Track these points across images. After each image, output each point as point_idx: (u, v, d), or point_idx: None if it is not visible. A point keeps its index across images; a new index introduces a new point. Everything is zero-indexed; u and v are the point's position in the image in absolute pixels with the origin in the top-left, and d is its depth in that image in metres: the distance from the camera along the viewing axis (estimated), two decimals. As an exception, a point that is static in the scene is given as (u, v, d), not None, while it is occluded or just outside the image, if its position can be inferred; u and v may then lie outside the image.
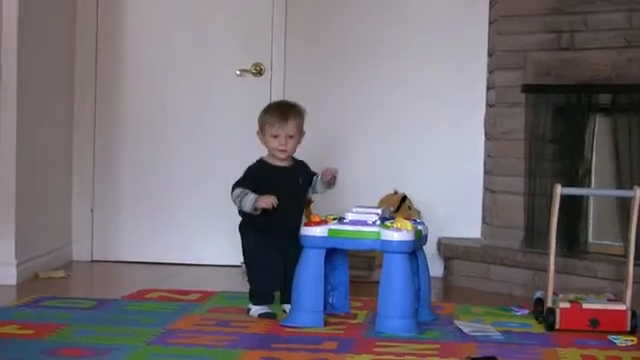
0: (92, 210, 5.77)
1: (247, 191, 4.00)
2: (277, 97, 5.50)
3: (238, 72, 5.67)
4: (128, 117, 5.76)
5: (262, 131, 4.13)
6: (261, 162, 4.16)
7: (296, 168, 4.18)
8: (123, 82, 5.76)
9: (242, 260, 5.04)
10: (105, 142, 5.76)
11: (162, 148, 5.75)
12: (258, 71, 5.67)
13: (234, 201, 4.05)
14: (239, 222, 4.18)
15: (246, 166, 4.15)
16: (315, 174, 4.21)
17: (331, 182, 4.17)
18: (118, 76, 5.76)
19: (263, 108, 4.22)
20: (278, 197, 3.99)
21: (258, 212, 3.99)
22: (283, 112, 4.13)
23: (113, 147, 5.77)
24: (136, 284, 4.89)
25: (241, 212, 4.11)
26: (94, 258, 5.76)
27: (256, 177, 4.06)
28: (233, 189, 4.05)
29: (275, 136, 4.09)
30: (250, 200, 3.97)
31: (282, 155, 4.10)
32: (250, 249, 4.13)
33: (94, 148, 5.75)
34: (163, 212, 5.73)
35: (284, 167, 4.13)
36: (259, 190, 4.00)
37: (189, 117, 5.73)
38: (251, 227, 4.10)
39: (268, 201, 3.96)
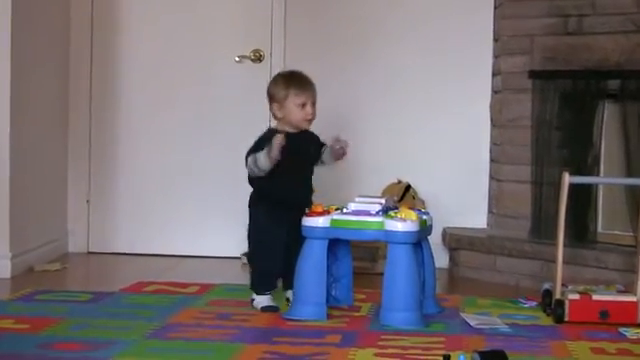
0: (88, 201, 5.76)
1: (257, 153, 3.98)
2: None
3: (237, 59, 5.66)
4: (125, 106, 5.75)
5: (281, 103, 4.09)
6: (272, 130, 4.15)
7: (308, 135, 4.17)
8: (119, 71, 5.75)
9: (242, 252, 5.05)
10: (101, 131, 5.75)
11: (160, 137, 5.74)
12: (257, 57, 5.66)
13: (251, 169, 4.02)
14: (249, 197, 4.15)
15: (243, 150, 4.12)
16: (324, 144, 4.19)
17: (340, 153, 4.14)
18: (114, 65, 5.75)
19: (275, 80, 4.20)
20: (291, 162, 3.98)
21: (276, 161, 3.95)
22: (304, 79, 4.15)
23: (109, 136, 5.76)
24: (134, 276, 4.88)
25: (253, 181, 4.08)
26: (90, 250, 5.76)
27: (265, 142, 4.02)
28: (247, 159, 4.04)
29: (302, 105, 4.08)
30: (263, 154, 3.95)
31: (308, 125, 4.11)
32: (258, 229, 4.11)
33: (90, 137, 5.74)
34: (161, 203, 5.73)
35: (296, 133, 4.11)
36: None
37: (187, 105, 5.72)
38: (262, 198, 4.08)
39: (277, 141, 3.92)
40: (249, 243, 4.22)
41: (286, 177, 4.01)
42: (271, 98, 4.15)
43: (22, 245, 5.03)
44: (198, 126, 5.71)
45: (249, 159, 4.03)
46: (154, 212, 5.73)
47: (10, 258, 4.90)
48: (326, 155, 4.17)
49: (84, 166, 5.75)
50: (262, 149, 4.00)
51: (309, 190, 4.16)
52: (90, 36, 5.73)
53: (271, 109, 4.18)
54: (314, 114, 4.11)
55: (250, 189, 4.18)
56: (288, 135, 4.01)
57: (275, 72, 5.55)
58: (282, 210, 4.05)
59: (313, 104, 4.10)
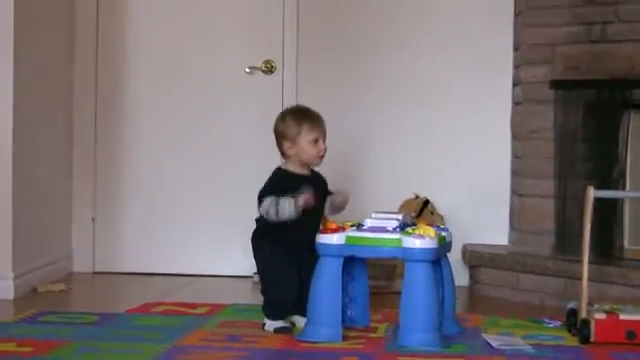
0: (94, 219, 5.76)
1: (279, 198, 3.97)
2: (289, 96, 5.52)
3: (247, 70, 5.65)
4: (131, 120, 5.75)
5: (294, 140, 4.08)
6: (282, 171, 4.15)
7: (317, 179, 4.16)
8: (125, 83, 5.75)
9: (254, 271, 5.03)
10: (107, 146, 5.75)
11: (167, 152, 5.74)
12: (269, 69, 5.65)
13: (266, 211, 3.98)
14: (252, 233, 4.16)
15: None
16: (330, 193, 4.19)
17: (340, 207, 4.16)
18: (120, 77, 5.75)
19: (283, 118, 4.16)
20: (308, 210, 3.99)
21: (299, 214, 3.95)
22: (315, 115, 4.14)
23: (115, 151, 5.76)
24: (141, 297, 4.87)
25: (259, 221, 4.09)
26: (96, 269, 5.75)
27: (282, 186, 4.03)
28: (261, 199, 4.02)
29: (315, 141, 4.07)
30: (289, 204, 3.93)
31: (320, 161, 4.11)
32: (265, 259, 4.11)
33: (95, 152, 5.74)
34: (168, 220, 5.72)
35: (306, 176, 4.11)
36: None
37: (195, 119, 5.72)
38: (266, 239, 4.08)
39: (308, 197, 3.93)
40: (257, 272, 4.26)
41: (297, 222, 3.99)
42: (281, 136, 4.12)
43: (25, 265, 5.01)
44: (208, 140, 5.71)
45: (267, 203, 3.98)
46: (162, 230, 5.72)
47: (13, 278, 4.88)
48: (327, 206, 4.17)
49: (89, 182, 5.74)
50: (280, 193, 3.97)
51: (316, 231, 4.13)
52: (95, 49, 5.73)
53: (281, 147, 4.14)
54: (326, 150, 4.11)
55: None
56: (307, 181, 4.04)
57: (288, 84, 5.60)
58: (290, 250, 4.05)
59: (324, 139, 4.10)
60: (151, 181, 5.74)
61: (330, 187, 4.20)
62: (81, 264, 5.73)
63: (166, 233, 5.72)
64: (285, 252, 4.05)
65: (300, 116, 4.13)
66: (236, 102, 5.70)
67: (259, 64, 5.66)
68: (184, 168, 5.73)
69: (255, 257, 4.16)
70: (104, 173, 5.76)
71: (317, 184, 4.12)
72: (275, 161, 4.34)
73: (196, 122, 5.72)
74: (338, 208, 4.17)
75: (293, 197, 3.94)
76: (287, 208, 3.94)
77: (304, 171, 4.12)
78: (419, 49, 5.60)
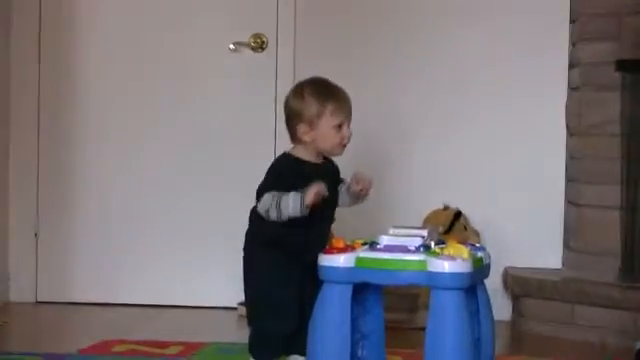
0: (36, 234, 5.81)
1: (281, 193, 3.93)
2: (285, 78, 5.53)
3: (232, 47, 5.70)
4: (85, 109, 5.81)
5: (312, 123, 4.04)
6: (289, 157, 4.11)
7: (329, 166, 4.16)
8: (77, 65, 5.80)
9: (239, 301, 5.06)
10: (52, 145, 5.81)
11: (129, 151, 5.79)
12: (259, 45, 5.70)
13: (266, 210, 3.93)
14: (245, 236, 4.10)
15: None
16: (343, 180, 4.21)
17: (361, 194, 4.14)
18: (71, 57, 5.79)
19: (299, 93, 4.10)
20: (317, 208, 3.95)
21: (307, 212, 3.94)
22: (342, 92, 4.09)
23: (64, 150, 5.82)
24: (97, 333, 4.91)
25: (256, 221, 4.05)
26: (39, 299, 5.80)
27: (288, 177, 4.00)
28: (259, 196, 3.97)
29: (339, 125, 4.07)
30: (294, 200, 3.87)
31: (342, 151, 4.08)
32: (257, 273, 4.06)
33: (38, 150, 5.79)
34: (132, 236, 5.77)
35: (317, 164, 4.10)
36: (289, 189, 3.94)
37: (164, 109, 5.77)
38: (262, 246, 4.04)
39: (319, 191, 3.87)
40: (246, 297, 4.20)
41: (304, 224, 3.99)
42: (296, 117, 4.06)
43: (-50, 293, 5.06)
44: (180, 134, 5.75)
45: (264, 199, 3.95)
46: (123, 248, 5.77)
47: None
48: (343, 194, 4.17)
49: (31, 189, 5.79)
50: (281, 184, 3.96)
51: (329, 233, 4.15)
52: (37, 27, 5.78)
53: (294, 130, 4.07)
54: (351, 136, 4.07)
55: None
56: (320, 170, 4.05)
57: (283, 63, 5.62)
58: (292, 260, 4.03)
59: (349, 124, 4.06)
60: (108, 187, 5.79)
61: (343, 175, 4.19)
62: (20, 292, 5.79)
63: (128, 253, 5.76)
64: (286, 265, 4.02)
65: (323, 94, 4.07)
66: (217, 87, 5.75)
67: (246, 39, 5.71)
68: (151, 169, 5.79)
69: (245, 270, 4.10)
70: (49, 178, 5.81)
71: (327, 173, 4.09)
72: (268, 158, 4.26)
73: (166, 113, 5.78)
74: (357, 197, 4.14)
75: (299, 192, 3.89)
76: (291, 205, 3.88)
77: (317, 160, 4.09)
78: (450, 18, 5.65)
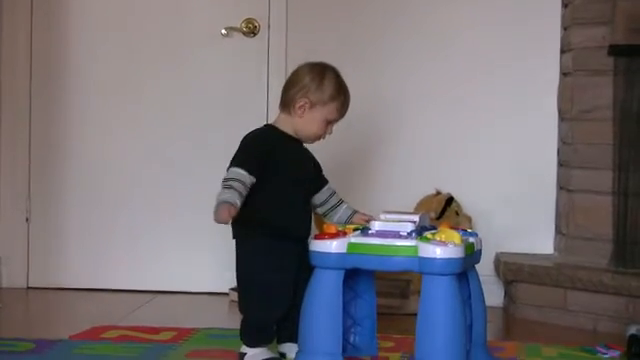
0: (27, 219, 5.80)
1: (237, 180, 3.92)
2: (277, 64, 5.54)
3: (224, 32, 5.69)
4: (76, 94, 5.80)
5: (314, 105, 4.06)
6: (270, 127, 4.15)
7: (306, 154, 4.19)
8: (67, 50, 5.79)
9: (231, 287, 5.06)
10: (44, 128, 5.81)
11: (121, 136, 5.79)
12: (251, 30, 5.69)
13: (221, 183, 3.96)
14: (233, 225, 4.06)
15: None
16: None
17: (357, 222, 4.14)
18: (61, 41, 5.79)
19: (322, 74, 4.09)
20: (294, 177, 3.99)
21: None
22: (349, 95, 4.16)
23: (57, 134, 5.82)
24: (88, 319, 4.91)
25: (242, 209, 4.02)
26: (30, 284, 5.81)
27: (263, 148, 4.01)
28: (229, 169, 3.96)
29: (329, 122, 4.11)
30: (219, 201, 3.85)
31: (313, 142, 4.14)
32: (250, 257, 4.05)
33: (30, 135, 5.79)
34: (124, 221, 5.79)
35: (300, 145, 4.14)
36: (268, 164, 3.97)
37: (155, 95, 5.76)
38: (253, 228, 4.04)
39: (229, 212, 3.82)
40: (238, 284, 4.19)
41: (286, 199, 3.99)
42: (302, 90, 4.08)
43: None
44: (172, 122, 5.75)
45: (228, 172, 3.95)
46: (115, 234, 5.78)
47: None
48: (342, 212, 4.22)
49: (23, 173, 5.79)
50: (253, 159, 3.94)
51: (311, 218, 4.15)
52: (29, 14, 5.78)
53: (292, 101, 4.08)
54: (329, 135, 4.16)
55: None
56: (287, 139, 4.07)
57: (275, 49, 5.62)
58: (281, 245, 4.02)
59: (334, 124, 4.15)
60: (101, 171, 5.79)
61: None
62: (11, 277, 5.79)
63: (120, 238, 5.77)
64: (276, 250, 4.01)
65: (340, 88, 4.13)
66: (209, 72, 5.75)
67: (238, 24, 5.71)
68: (143, 155, 5.79)
69: (237, 255, 4.09)
70: (41, 162, 5.81)
71: (306, 152, 4.15)
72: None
73: (157, 98, 5.78)
74: (355, 221, 4.17)
75: (227, 203, 3.83)
76: (216, 203, 3.86)
77: (292, 134, 4.11)
78: (447, 3, 5.64)
